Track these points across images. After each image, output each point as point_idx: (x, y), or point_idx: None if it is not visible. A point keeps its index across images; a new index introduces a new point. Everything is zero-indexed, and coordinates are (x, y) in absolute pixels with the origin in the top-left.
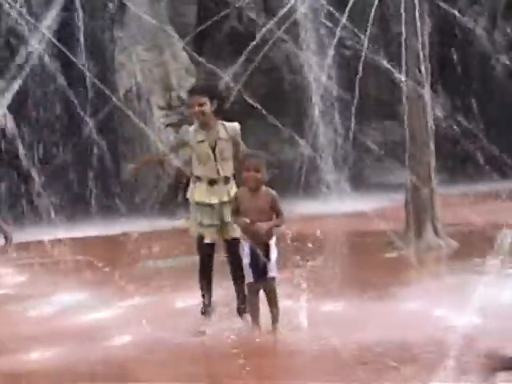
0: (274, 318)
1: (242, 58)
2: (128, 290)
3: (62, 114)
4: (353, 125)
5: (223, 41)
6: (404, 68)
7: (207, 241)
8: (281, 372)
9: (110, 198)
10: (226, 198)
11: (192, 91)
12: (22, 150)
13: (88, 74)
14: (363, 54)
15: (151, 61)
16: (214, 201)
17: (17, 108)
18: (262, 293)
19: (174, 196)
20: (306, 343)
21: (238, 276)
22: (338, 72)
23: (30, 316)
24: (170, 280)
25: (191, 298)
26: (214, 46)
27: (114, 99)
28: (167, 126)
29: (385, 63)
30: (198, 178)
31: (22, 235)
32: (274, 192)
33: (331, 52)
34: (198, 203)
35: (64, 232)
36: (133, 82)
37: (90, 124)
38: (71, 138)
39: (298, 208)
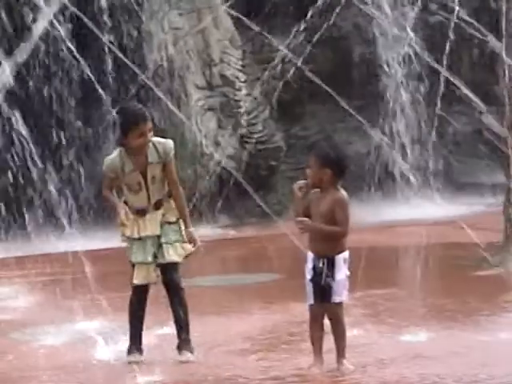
0: (340, 353)
1: (303, 26)
2: (155, 315)
3: (78, 95)
4: (438, 110)
5: (279, 3)
6: (504, 41)
7: (135, 281)
8: None
9: None
10: (158, 231)
11: None
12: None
13: (109, 44)
14: (453, 21)
15: (187, 29)
16: (146, 233)
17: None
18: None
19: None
20: None
21: (176, 302)
22: (421, 44)
23: (37, 346)
24: (204, 303)
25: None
26: (267, 10)
27: (141, 77)
28: (207, 110)
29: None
30: (127, 206)
31: (44, 245)
32: (341, 195)
33: (411, 18)
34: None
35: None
36: (164, 56)
37: (109, 108)
38: (86, 128)
39: (371, 214)
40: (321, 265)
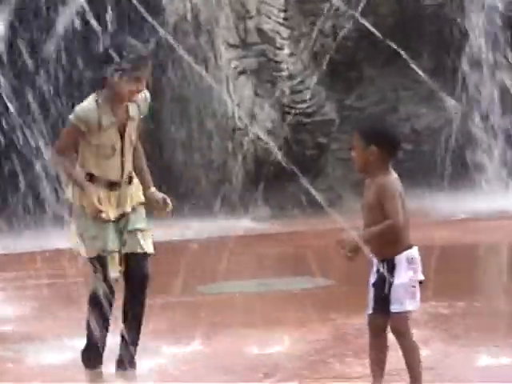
0: (412, 378)
1: None
2: (176, 329)
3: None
4: None
5: None
6: None
7: (113, 274)
8: None
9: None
10: (128, 209)
11: None
12: None
13: None
14: None
15: None
16: (116, 214)
17: None
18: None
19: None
20: None
21: (139, 302)
22: None
23: (32, 365)
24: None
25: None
26: None
27: (160, 31)
28: (240, 73)
29: None
30: (92, 178)
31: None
32: (386, 179)
33: None
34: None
35: None
36: (188, 7)
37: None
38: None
39: (443, 204)
40: (381, 269)
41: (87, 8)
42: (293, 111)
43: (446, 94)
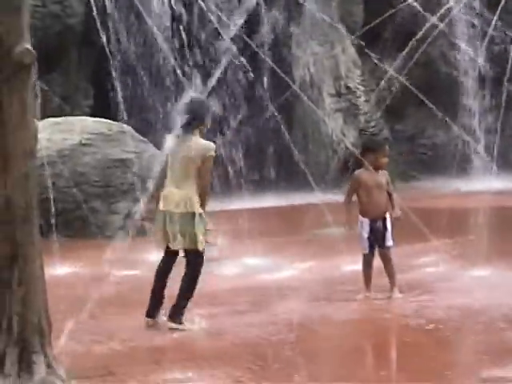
0: (393, 283)
1: (404, 53)
2: (300, 253)
3: (248, 99)
4: (501, 114)
5: (388, 37)
6: None
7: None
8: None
9: (284, 174)
10: None
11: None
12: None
13: (272, 64)
14: (511, 50)
15: (323, 54)
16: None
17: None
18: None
19: (343, 174)
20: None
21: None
22: (489, 64)
23: (220, 275)
24: (336, 246)
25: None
26: (378, 42)
27: (293, 86)
28: (336, 111)
29: None
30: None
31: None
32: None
33: (483, 48)
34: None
35: (245, 203)
36: (307, 73)
37: (271, 107)
38: (253, 119)
39: (451, 185)
40: (379, 224)
41: None
42: (366, 132)
43: (452, 123)
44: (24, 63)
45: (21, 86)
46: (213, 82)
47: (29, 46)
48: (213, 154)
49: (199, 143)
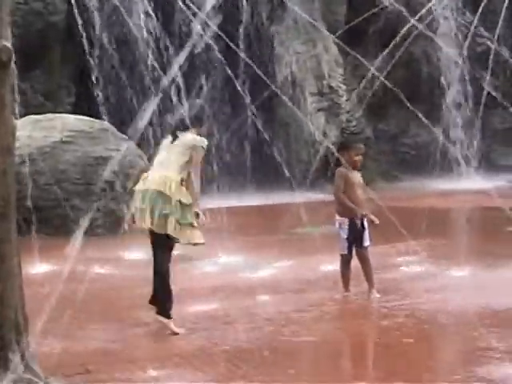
0: (371, 284)
1: (386, 52)
2: (277, 253)
3: (227, 99)
4: (481, 113)
5: (371, 36)
6: None
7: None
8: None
9: (265, 173)
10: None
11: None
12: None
13: (251, 63)
14: (492, 50)
15: (305, 53)
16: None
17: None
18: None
19: (324, 173)
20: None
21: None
22: (471, 64)
23: (198, 273)
24: (314, 245)
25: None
26: (361, 41)
27: (272, 86)
28: (318, 110)
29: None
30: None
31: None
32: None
33: (465, 48)
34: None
35: (225, 201)
36: (289, 72)
37: (250, 107)
38: (234, 118)
39: (433, 185)
40: (358, 224)
41: None
42: (347, 131)
43: (433, 123)
44: (1, 60)
45: None
46: (180, 61)
47: (6, 43)
48: (202, 145)
49: (189, 136)
